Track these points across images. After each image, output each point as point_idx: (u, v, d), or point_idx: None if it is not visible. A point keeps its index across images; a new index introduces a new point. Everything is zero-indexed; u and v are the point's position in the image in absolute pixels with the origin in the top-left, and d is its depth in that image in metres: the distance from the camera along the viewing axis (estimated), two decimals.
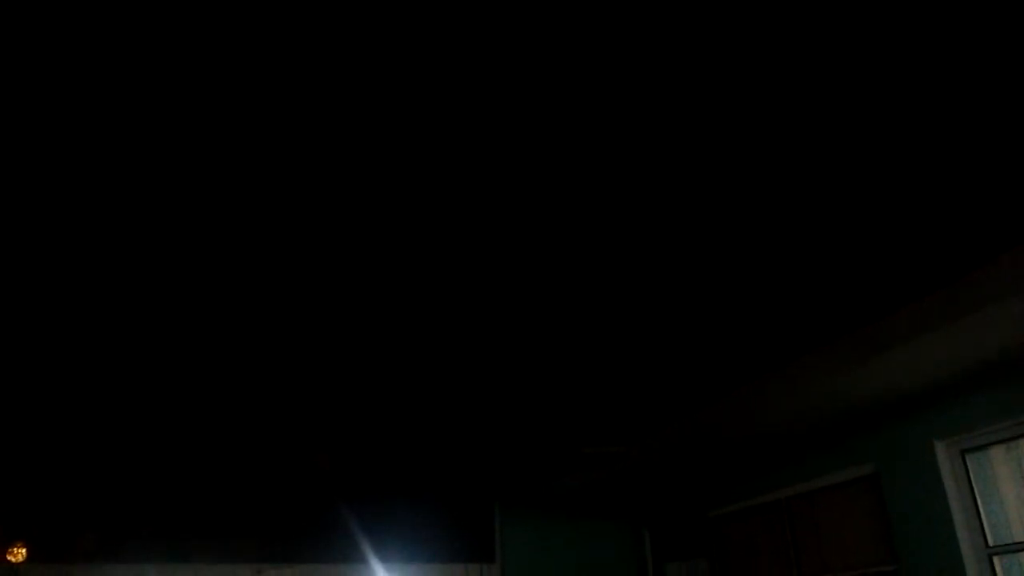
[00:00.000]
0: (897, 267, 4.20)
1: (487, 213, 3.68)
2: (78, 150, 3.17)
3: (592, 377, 5.92)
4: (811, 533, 6.75)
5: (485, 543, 8.96)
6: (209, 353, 5.26)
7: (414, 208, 3.63)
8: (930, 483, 5.47)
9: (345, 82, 2.84)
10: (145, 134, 3.09)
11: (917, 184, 3.54)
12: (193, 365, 5.47)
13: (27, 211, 3.57)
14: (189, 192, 3.47)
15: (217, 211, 3.62)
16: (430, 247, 3.96)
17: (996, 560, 5.08)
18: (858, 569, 6.19)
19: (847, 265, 4.25)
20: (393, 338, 5.09)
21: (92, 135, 3.08)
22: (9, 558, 7.46)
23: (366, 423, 6.86)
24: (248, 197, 3.52)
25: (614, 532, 9.38)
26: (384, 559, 8.64)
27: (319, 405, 6.37)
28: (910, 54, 2.78)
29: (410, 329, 4.95)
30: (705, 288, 4.49)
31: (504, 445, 7.60)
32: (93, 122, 3.01)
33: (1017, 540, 4.98)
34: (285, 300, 4.50)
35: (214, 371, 5.59)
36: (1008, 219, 3.75)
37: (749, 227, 3.86)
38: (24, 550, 7.53)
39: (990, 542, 5.13)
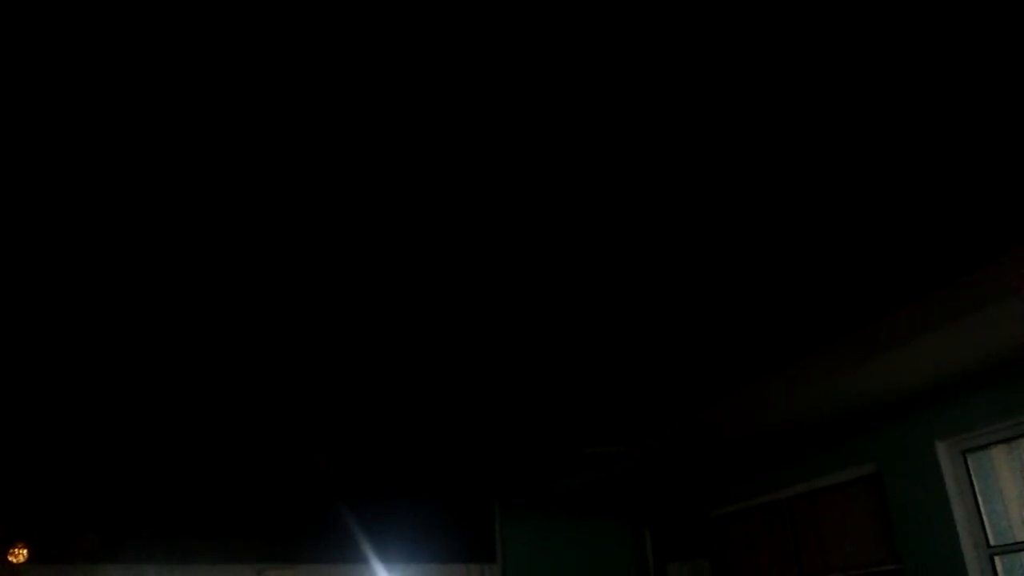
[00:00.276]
0: (897, 267, 4.19)
1: (487, 214, 3.67)
2: (78, 151, 3.17)
3: (593, 377, 5.91)
4: (813, 533, 6.74)
5: (486, 543, 8.95)
6: (209, 354, 5.26)
7: (414, 209, 3.63)
8: (931, 483, 5.46)
9: (345, 82, 2.83)
10: (145, 134, 3.08)
11: (917, 184, 3.53)
12: (193, 366, 5.46)
13: (27, 211, 3.57)
14: (189, 193, 3.46)
15: (217, 212, 3.61)
16: (430, 247, 3.95)
17: (997, 560, 5.07)
18: (859, 569, 6.18)
19: (847, 265, 4.24)
20: (394, 339, 5.09)
21: (92, 135, 3.08)
22: (10, 558, 7.46)
23: (367, 423, 6.86)
24: (248, 198, 3.52)
25: (615, 532, 9.37)
26: (385, 559, 8.64)
27: (320, 406, 6.37)
28: (910, 54, 2.77)
29: (410, 330, 4.95)
30: (706, 288, 4.48)
31: (505, 445, 7.59)
32: (93, 122, 3.01)
33: (1018, 540, 4.97)
34: (285, 300, 4.50)
35: (214, 372, 5.58)
36: (1008, 219, 3.74)
37: (750, 228, 3.85)
38: (25, 550, 7.53)
39: (991, 542, 5.13)
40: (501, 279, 4.31)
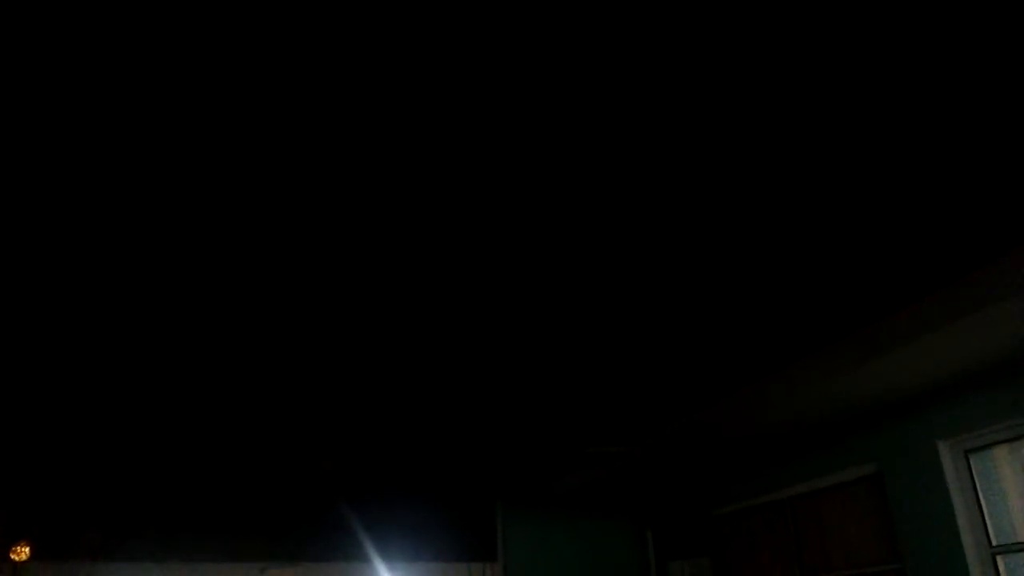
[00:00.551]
0: (897, 267, 4.18)
1: (489, 214, 3.67)
2: (78, 151, 3.17)
3: (595, 376, 5.91)
4: (814, 532, 6.74)
5: (488, 542, 8.96)
6: (213, 353, 5.27)
7: (415, 209, 3.62)
8: (933, 483, 5.45)
9: (345, 82, 2.82)
10: (145, 135, 3.08)
11: (917, 184, 3.52)
12: (197, 365, 5.47)
13: (29, 212, 3.58)
14: (192, 194, 3.47)
15: (220, 213, 3.62)
16: (432, 247, 3.95)
17: (999, 560, 5.06)
18: (861, 568, 6.17)
19: (848, 266, 4.23)
20: (396, 338, 5.09)
21: (92, 136, 3.08)
22: (12, 556, 7.48)
23: (369, 423, 6.86)
24: (249, 199, 3.52)
25: (617, 531, 9.37)
26: (387, 558, 8.65)
27: (322, 405, 6.37)
28: (909, 54, 2.76)
29: (413, 329, 4.95)
30: (708, 289, 4.47)
31: (507, 444, 7.59)
32: (93, 123, 3.01)
33: (1021, 540, 4.96)
34: (288, 300, 4.51)
35: (218, 371, 5.60)
36: (1008, 219, 3.72)
37: (751, 229, 3.84)
38: (27, 548, 7.55)
39: (993, 542, 5.11)
40: (503, 279, 4.31)
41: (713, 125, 3.11)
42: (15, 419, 6.55)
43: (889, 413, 5.88)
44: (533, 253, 4.04)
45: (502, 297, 4.53)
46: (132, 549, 7.99)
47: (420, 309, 4.67)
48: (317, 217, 3.67)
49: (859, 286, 4.40)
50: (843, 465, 6.39)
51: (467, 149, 3.22)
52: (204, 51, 2.66)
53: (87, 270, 4.11)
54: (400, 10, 2.51)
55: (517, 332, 5.05)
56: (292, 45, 2.65)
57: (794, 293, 4.54)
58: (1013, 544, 4.99)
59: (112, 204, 3.53)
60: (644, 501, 9.37)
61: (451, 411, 6.64)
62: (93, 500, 8.09)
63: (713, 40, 2.67)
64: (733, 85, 2.89)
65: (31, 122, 3.00)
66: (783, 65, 2.79)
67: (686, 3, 2.51)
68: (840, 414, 6.02)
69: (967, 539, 5.20)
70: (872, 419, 6.04)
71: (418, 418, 6.80)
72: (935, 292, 4.33)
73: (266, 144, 3.16)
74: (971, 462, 5.33)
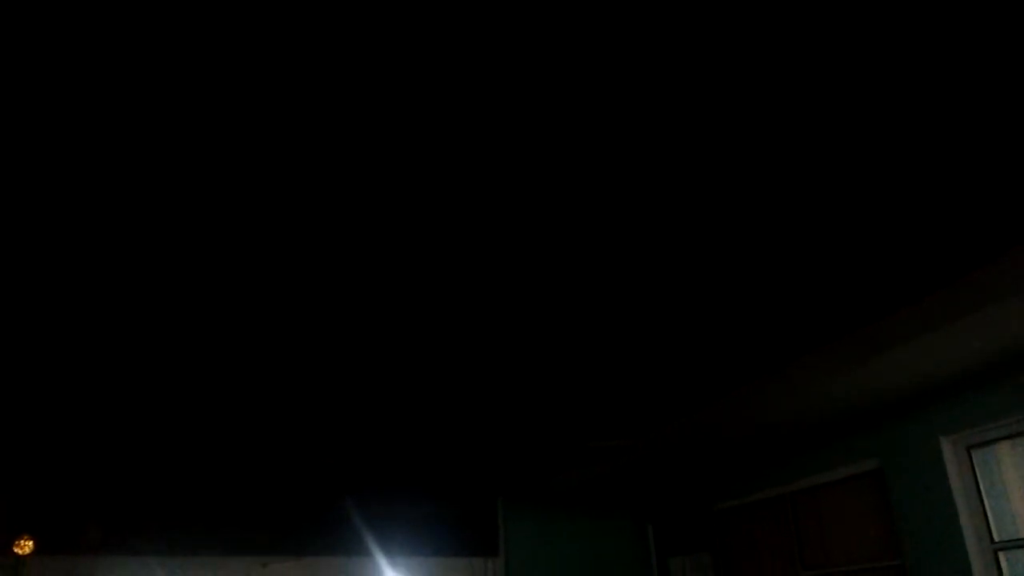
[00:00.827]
0: (897, 267, 4.17)
1: (490, 212, 3.67)
2: (78, 151, 3.16)
3: (597, 373, 5.91)
4: (815, 528, 6.74)
5: (489, 537, 8.97)
6: (215, 349, 5.28)
7: (416, 208, 3.62)
8: (935, 479, 5.45)
9: (345, 83, 2.81)
10: (145, 135, 3.08)
11: (917, 184, 3.50)
12: (199, 361, 5.48)
13: (31, 211, 3.58)
14: (194, 193, 3.47)
15: (221, 212, 3.62)
16: (433, 246, 3.95)
17: (1001, 556, 5.06)
18: (862, 564, 6.17)
19: (848, 266, 4.21)
20: (397, 334, 5.09)
21: (92, 136, 3.07)
22: (16, 550, 7.50)
23: (371, 418, 6.87)
24: (249, 198, 3.52)
25: (618, 526, 9.38)
26: (388, 553, 8.67)
27: (324, 400, 6.38)
28: (909, 54, 2.74)
29: (414, 325, 4.95)
30: (710, 288, 4.47)
31: (508, 439, 7.60)
32: (93, 123, 3.00)
33: (1023, 536, 4.95)
34: (289, 297, 4.51)
35: (220, 367, 5.60)
36: (1008, 219, 3.71)
37: (753, 228, 3.84)
38: (31, 543, 7.57)
39: (995, 538, 5.12)
40: (505, 277, 4.31)
41: (714, 125, 3.10)
42: (18, 414, 6.57)
43: (890, 410, 5.87)
44: (535, 251, 4.04)
45: (504, 294, 4.53)
46: (134, 543, 8.02)
47: (422, 305, 4.66)
48: (320, 216, 3.67)
49: (859, 286, 4.39)
50: (844, 461, 6.39)
51: (468, 149, 3.21)
52: (204, 51, 2.65)
53: (88, 268, 4.11)
54: (400, 10, 2.50)
55: (519, 329, 5.05)
56: (292, 45, 2.64)
57: (796, 292, 4.53)
58: (1015, 540, 4.99)
59: (112, 204, 3.53)
60: (645, 497, 9.38)
61: (453, 407, 6.65)
62: (96, 495, 8.12)
63: (713, 40, 2.66)
64: (733, 85, 2.87)
65: (31, 122, 3.00)
66: (783, 65, 2.78)
67: (686, 3, 2.49)
68: (841, 411, 6.02)
69: (969, 535, 5.20)
70: (873, 416, 6.04)
71: (420, 414, 6.81)
72: (935, 292, 4.31)
73: (267, 145, 3.15)
74: (973, 458, 5.32)
